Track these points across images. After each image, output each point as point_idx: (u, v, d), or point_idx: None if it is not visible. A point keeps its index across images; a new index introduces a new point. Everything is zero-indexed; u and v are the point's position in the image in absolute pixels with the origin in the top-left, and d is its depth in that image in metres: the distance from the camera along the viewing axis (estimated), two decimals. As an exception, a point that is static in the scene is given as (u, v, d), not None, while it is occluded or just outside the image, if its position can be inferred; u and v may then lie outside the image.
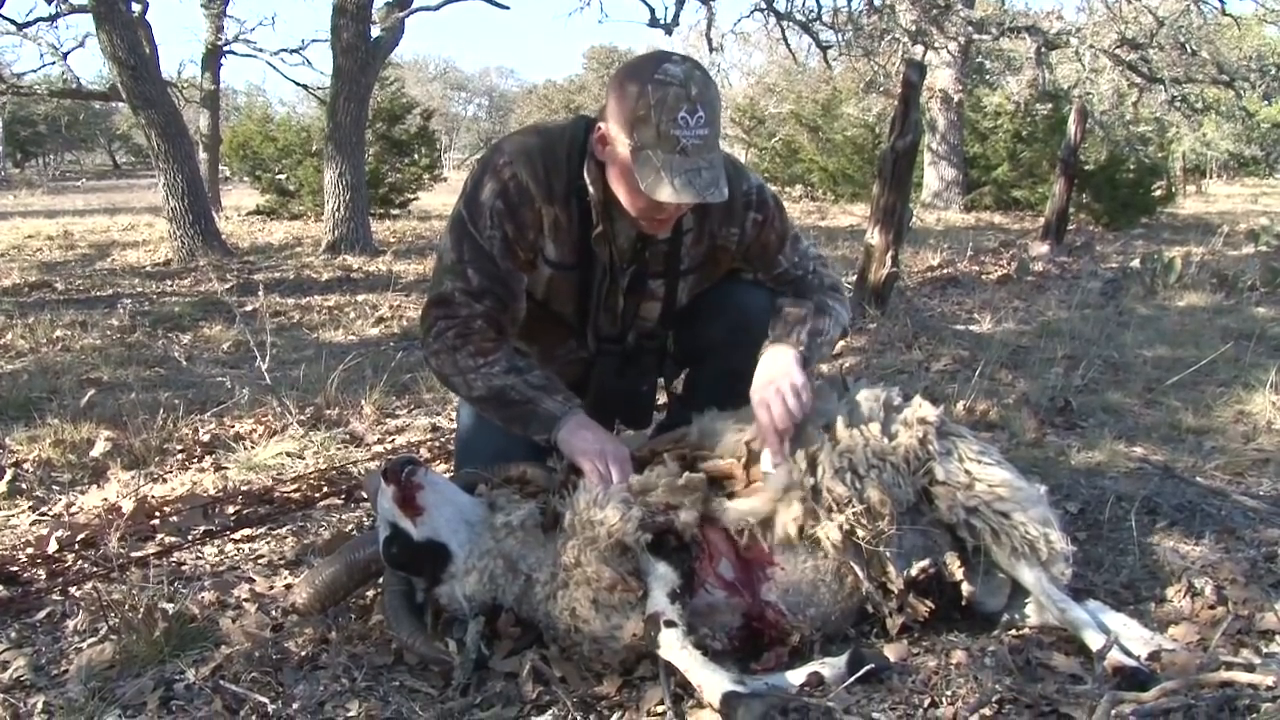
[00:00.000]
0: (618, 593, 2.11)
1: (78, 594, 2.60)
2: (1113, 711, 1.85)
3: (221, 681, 2.11)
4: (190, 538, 3.04)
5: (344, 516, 3.22)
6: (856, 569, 2.23)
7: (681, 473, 2.28)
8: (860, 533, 2.21)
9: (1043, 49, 15.63)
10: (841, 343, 5.75)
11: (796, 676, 2.07)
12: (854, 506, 2.21)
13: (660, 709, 2.00)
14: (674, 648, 1.99)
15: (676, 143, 2.19)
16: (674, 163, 2.19)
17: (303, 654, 2.24)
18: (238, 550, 2.97)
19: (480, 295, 2.47)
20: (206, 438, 4.05)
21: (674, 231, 2.51)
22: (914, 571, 2.25)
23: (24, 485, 3.54)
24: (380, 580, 2.35)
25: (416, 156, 18.95)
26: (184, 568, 2.82)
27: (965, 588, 2.29)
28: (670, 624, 2.02)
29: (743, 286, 2.70)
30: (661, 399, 4.18)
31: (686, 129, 2.18)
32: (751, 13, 15.66)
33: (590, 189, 2.42)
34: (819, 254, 2.77)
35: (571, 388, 2.61)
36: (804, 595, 2.24)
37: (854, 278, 7.01)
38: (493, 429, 2.61)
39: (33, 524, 3.20)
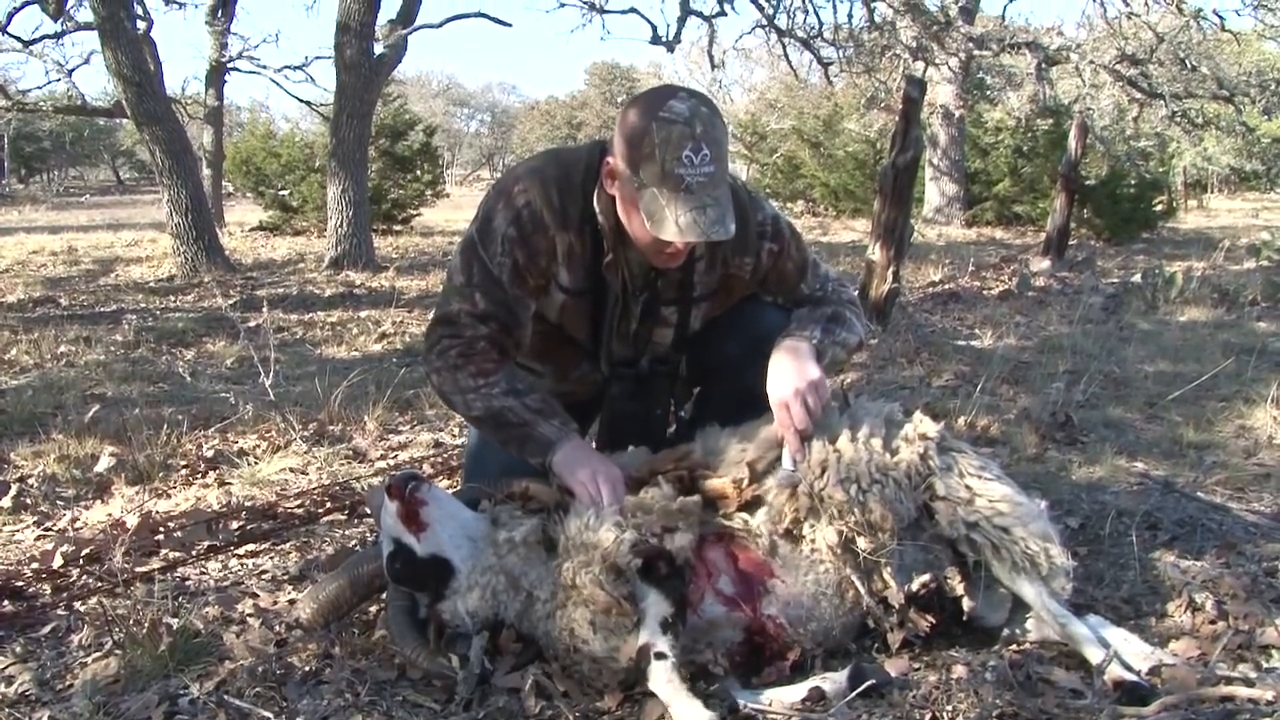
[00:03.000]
0: (613, 616, 2.12)
1: (82, 609, 2.60)
2: (1113, 726, 1.86)
3: (225, 696, 2.11)
4: (194, 553, 3.04)
5: (347, 532, 3.23)
6: (857, 583, 2.24)
7: (677, 495, 2.28)
8: (861, 543, 2.22)
9: (1043, 65, 15.67)
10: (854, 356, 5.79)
11: (797, 691, 2.08)
12: (854, 516, 2.22)
13: (662, 724, 2.01)
14: (660, 681, 1.99)
15: (681, 181, 2.19)
16: (679, 201, 2.20)
17: (306, 669, 2.25)
18: (241, 565, 2.97)
19: (485, 319, 2.48)
20: (210, 453, 4.06)
21: (686, 259, 2.51)
22: (915, 586, 2.26)
23: (28, 500, 3.55)
24: (383, 595, 2.36)
25: (419, 172, 18.99)
26: (188, 583, 2.83)
27: (966, 603, 2.30)
28: (660, 656, 2.02)
29: (757, 305, 2.70)
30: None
31: (691, 167, 2.19)
32: (753, 29, 15.77)
33: (601, 218, 2.44)
34: (838, 276, 2.78)
35: (585, 410, 2.62)
36: (805, 609, 2.24)
37: (856, 293, 7.03)
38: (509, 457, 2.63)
39: (37, 539, 3.21)
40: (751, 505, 2.34)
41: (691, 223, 2.20)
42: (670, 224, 2.20)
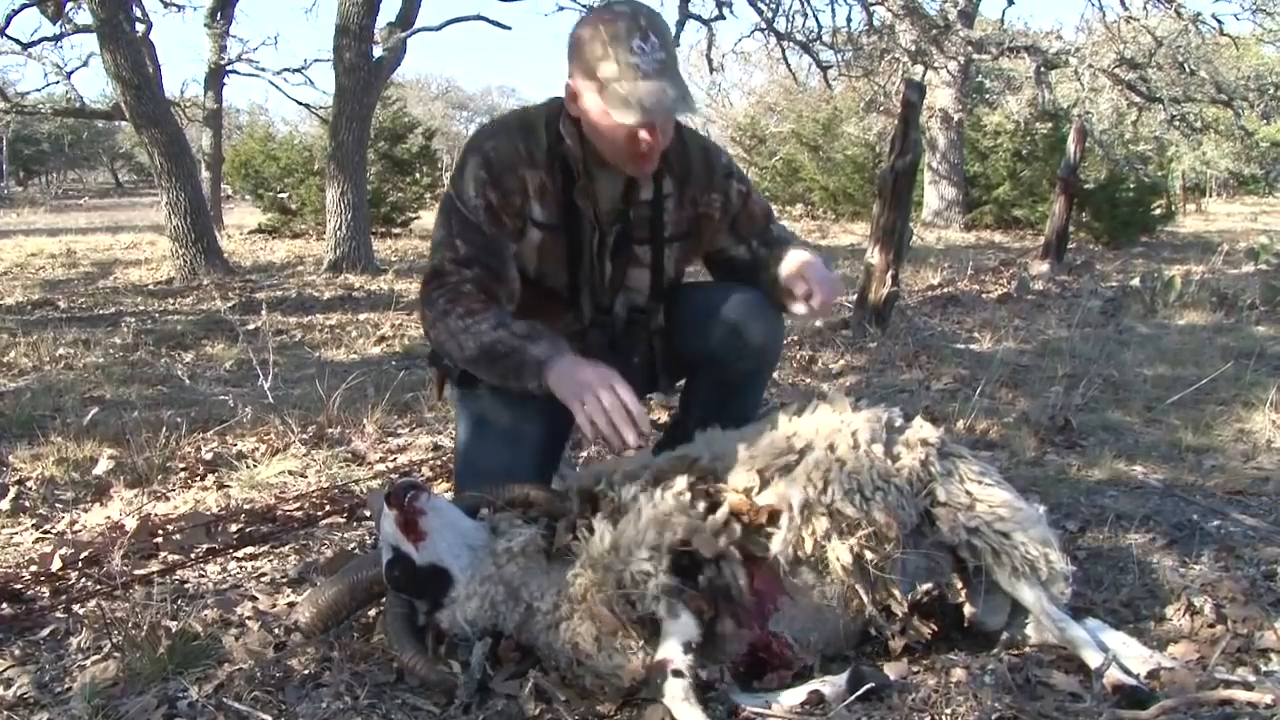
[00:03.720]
0: (619, 638, 2.11)
1: (81, 611, 2.60)
2: (1112, 730, 1.86)
3: (224, 699, 2.11)
4: (193, 556, 3.04)
5: (346, 535, 3.23)
6: (861, 593, 2.24)
7: (707, 515, 2.22)
8: (869, 555, 2.22)
9: (1042, 68, 15.70)
10: (840, 362, 5.80)
11: (797, 695, 2.08)
12: (863, 529, 2.22)
13: (661, 728, 2.00)
14: (677, 699, 1.98)
15: (638, 69, 2.28)
16: (639, 86, 2.28)
17: (305, 672, 2.25)
18: (240, 568, 2.97)
19: (469, 263, 2.51)
20: (209, 456, 4.06)
21: (655, 195, 2.58)
22: (918, 594, 2.26)
23: (27, 503, 3.55)
24: (383, 600, 2.36)
25: (418, 175, 19.04)
26: (187, 586, 2.83)
27: (967, 609, 2.30)
28: (678, 674, 2.00)
29: (733, 295, 2.70)
30: (662, 417, 4.20)
31: (644, 55, 2.28)
32: (752, 32, 15.84)
33: (569, 143, 2.50)
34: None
35: None
36: (810, 622, 2.24)
37: (854, 297, 7.04)
38: (494, 445, 2.65)
39: (36, 542, 3.21)
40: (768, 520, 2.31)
41: (656, 102, 2.28)
42: (635, 109, 2.28)
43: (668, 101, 2.28)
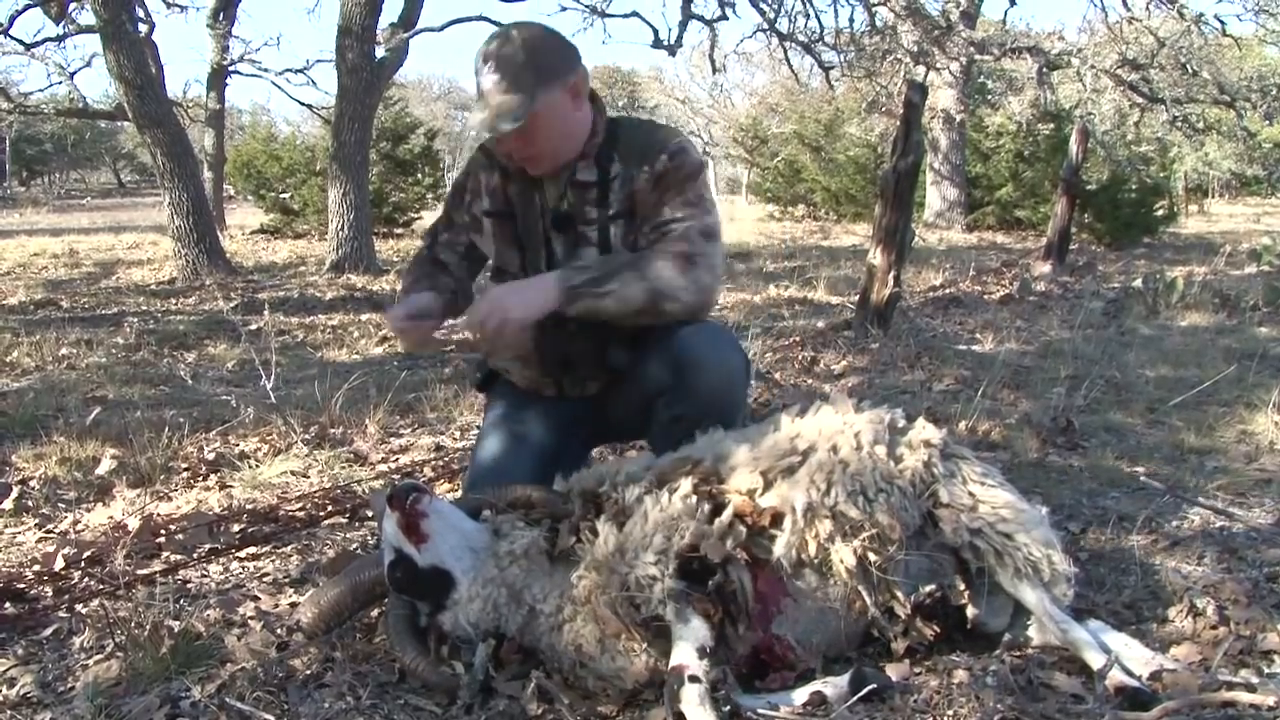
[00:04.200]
0: (623, 641, 2.11)
1: (84, 611, 2.61)
2: (1115, 731, 1.85)
3: (227, 699, 2.11)
4: (195, 555, 3.05)
5: (348, 535, 3.23)
6: (864, 594, 2.23)
7: (713, 516, 2.22)
8: (872, 557, 2.22)
9: (1044, 69, 15.69)
10: (842, 363, 5.79)
11: (799, 696, 2.08)
12: (867, 531, 2.22)
13: (664, 729, 2.00)
14: (693, 703, 1.97)
15: (478, 90, 2.62)
16: (475, 106, 2.65)
17: (308, 672, 2.25)
18: (243, 568, 2.98)
19: (429, 244, 3.09)
20: (211, 456, 4.06)
21: (601, 177, 2.73)
22: (921, 596, 2.26)
23: (30, 503, 3.55)
24: (385, 601, 2.36)
25: (420, 176, 19.03)
26: (189, 585, 2.83)
27: (970, 610, 2.30)
28: (694, 679, 2.00)
29: (684, 329, 2.66)
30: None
31: (482, 77, 2.60)
32: (754, 33, 15.80)
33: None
34: (712, 228, 2.71)
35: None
36: (812, 625, 2.24)
37: (856, 298, 7.03)
38: (499, 447, 2.73)
39: (39, 541, 3.21)
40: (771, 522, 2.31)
41: (473, 122, 2.61)
42: (468, 124, 2.59)
43: (479, 123, 2.58)
